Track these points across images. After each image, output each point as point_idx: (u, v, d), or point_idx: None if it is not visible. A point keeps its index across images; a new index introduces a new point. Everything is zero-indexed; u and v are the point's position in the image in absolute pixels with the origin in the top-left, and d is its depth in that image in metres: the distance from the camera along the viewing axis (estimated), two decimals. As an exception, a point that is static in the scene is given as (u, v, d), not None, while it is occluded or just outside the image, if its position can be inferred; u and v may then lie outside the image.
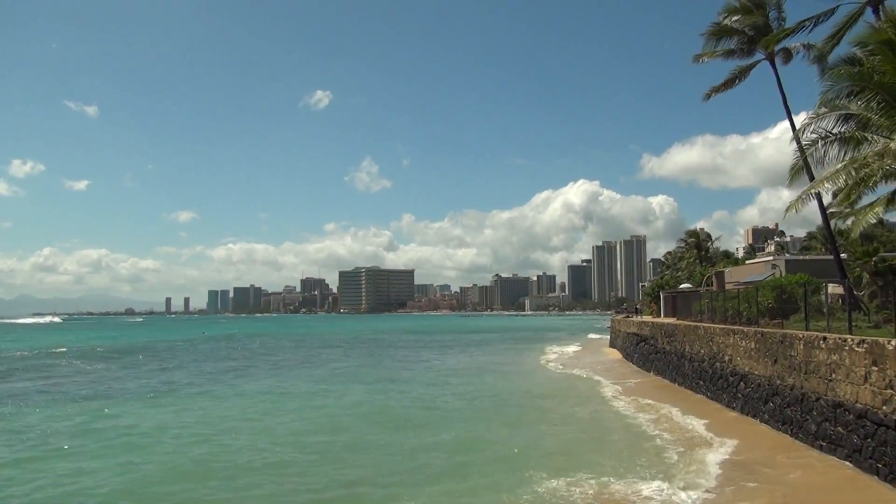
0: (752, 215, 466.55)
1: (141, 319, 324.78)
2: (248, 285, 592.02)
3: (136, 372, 46.46)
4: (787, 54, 33.72)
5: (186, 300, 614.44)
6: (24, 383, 39.05)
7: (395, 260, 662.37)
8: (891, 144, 19.43)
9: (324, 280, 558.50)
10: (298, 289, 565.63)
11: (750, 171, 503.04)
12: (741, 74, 35.06)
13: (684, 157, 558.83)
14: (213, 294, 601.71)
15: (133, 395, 33.41)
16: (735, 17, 33.74)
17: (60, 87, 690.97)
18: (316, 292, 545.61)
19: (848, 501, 14.65)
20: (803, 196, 23.97)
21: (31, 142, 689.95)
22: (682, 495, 14.89)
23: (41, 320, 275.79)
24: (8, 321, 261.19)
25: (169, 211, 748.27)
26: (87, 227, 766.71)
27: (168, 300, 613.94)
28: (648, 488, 15.41)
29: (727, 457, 18.33)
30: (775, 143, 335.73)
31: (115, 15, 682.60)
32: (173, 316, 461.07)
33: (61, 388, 36.16)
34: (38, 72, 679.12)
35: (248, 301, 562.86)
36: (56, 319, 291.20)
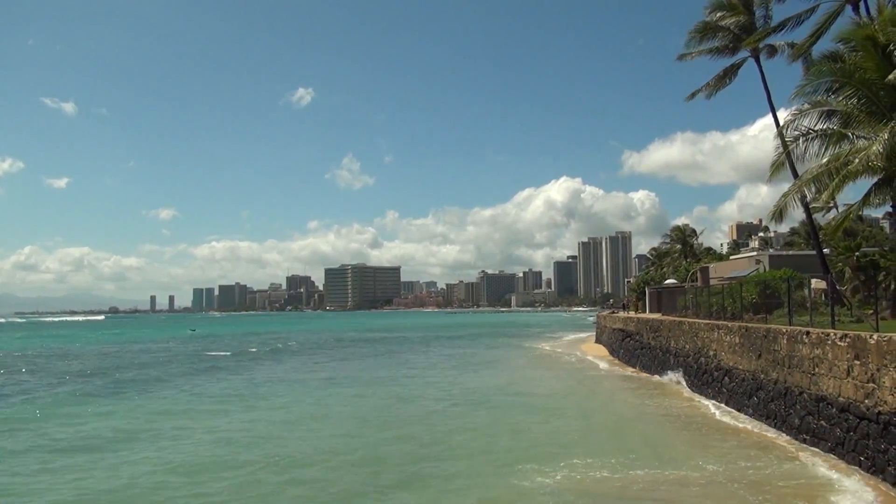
0: (731, 211, 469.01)
1: (220, 315, 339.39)
2: (234, 283, 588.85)
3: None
4: (772, 50, 33.93)
5: (171, 298, 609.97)
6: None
7: (379, 257, 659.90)
8: (872, 147, 19.61)
9: (309, 277, 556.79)
10: (284, 286, 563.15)
11: (729, 168, 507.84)
12: (729, 74, 35.21)
13: (664, 153, 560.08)
14: (198, 292, 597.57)
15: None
16: (720, 14, 33.89)
17: (37, 83, 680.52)
18: (302, 290, 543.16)
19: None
20: (787, 197, 24.18)
21: (9, 139, 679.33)
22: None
23: (91, 318, 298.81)
24: (58, 318, 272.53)
25: (150, 208, 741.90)
26: (69, 225, 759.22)
27: (153, 298, 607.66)
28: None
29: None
30: (754, 140, 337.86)
31: (92, 10, 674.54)
32: (157, 316, 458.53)
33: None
34: (13, 69, 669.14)
35: (234, 299, 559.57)
36: (100, 318, 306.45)
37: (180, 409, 28.03)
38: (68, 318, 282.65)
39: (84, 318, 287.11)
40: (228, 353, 62.00)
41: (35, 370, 46.69)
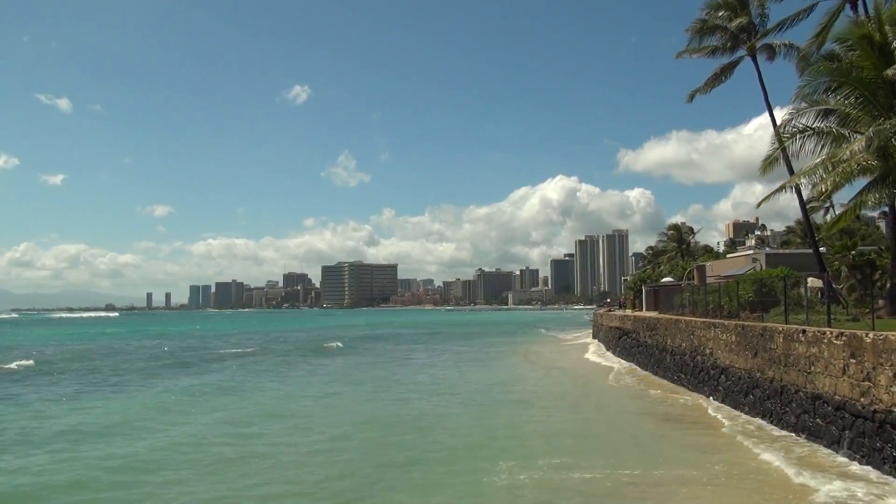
0: (726, 209, 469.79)
1: (230, 312, 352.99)
2: (230, 280, 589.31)
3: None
4: (771, 51, 33.83)
5: (168, 295, 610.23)
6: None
7: (375, 255, 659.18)
8: (854, 146, 19.63)
9: (306, 275, 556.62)
10: (281, 283, 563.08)
11: (724, 167, 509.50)
12: (725, 72, 35.18)
13: (659, 152, 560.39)
14: (194, 289, 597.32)
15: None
16: (719, 13, 33.84)
17: (32, 80, 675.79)
18: (298, 287, 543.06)
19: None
20: (779, 190, 24.28)
21: (4, 136, 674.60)
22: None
23: (104, 314, 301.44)
24: (66, 315, 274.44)
25: (145, 205, 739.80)
26: (65, 222, 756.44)
27: (149, 295, 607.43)
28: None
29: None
30: (749, 138, 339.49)
31: (87, 7, 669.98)
32: (168, 313, 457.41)
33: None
34: (8, 65, 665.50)
35: (231, 296, 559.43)
36: (114, 314, 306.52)
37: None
38: (82, 315, 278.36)
39: (102, 315, 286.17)
40: (253, 348, 62.49)
41: (117, 367, 45.75)
